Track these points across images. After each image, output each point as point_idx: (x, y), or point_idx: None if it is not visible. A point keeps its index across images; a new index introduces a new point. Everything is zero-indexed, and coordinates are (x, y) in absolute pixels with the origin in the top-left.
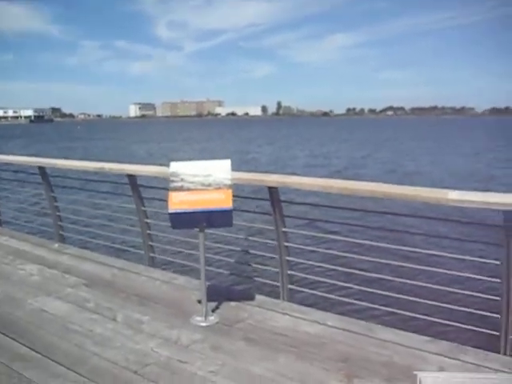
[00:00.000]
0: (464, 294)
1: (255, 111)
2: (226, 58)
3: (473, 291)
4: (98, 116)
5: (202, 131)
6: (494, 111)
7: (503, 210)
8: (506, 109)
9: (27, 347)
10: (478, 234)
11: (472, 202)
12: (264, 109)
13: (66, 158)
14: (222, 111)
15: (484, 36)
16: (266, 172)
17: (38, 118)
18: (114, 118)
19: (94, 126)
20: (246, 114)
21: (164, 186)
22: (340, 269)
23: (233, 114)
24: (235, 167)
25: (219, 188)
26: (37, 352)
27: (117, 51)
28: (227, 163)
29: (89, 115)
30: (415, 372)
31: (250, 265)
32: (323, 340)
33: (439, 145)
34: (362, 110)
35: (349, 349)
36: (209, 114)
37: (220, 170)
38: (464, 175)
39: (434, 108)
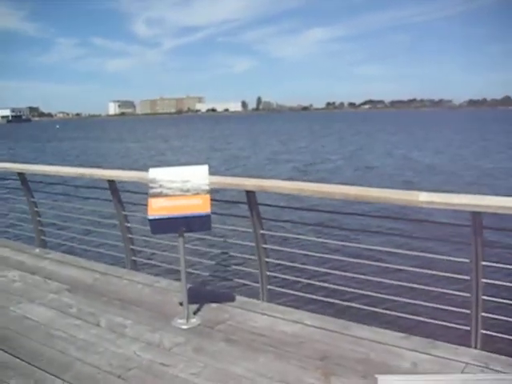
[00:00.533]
0: (437, 291)
1: (235, 107)
2: (205, 54)
3: (445, 288)
4: (77, 115)
5: (179, 128)
6: (472, 103)
7: (471, 211)
8: (483, 100)
9: (10, 355)
10: (449, 233)
11: (442, 204)
12: (244, 104)
13: (39, 159)
14: (202, 107)
15: (460, 29)
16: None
17: (16, 118)
18: (93, 116)
19: (72, 124)
20: (226, 109)
21: (144, 190)
22: (317, 268)
23: (213, 110)
24: (205, 161)
25: (197, 194)
26: (21, 359)
27: (94, 49)
28: (205, 169)
29: (67, 114)
30: (376, 375)
31: (230, 266)
32: (301, 339)
33: (411, 138)
34: (342, 104)
35: (326, 347)
36: (189, 110)
37: (198, 175)
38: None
39: (413, 101)
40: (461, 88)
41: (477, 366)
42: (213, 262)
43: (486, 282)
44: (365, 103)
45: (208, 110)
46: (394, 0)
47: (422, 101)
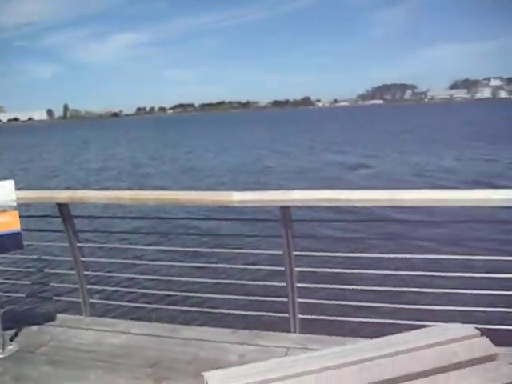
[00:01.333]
0: (257, 284)
1: (41, 116)
2: (3, 59)
3: (264, 280)
4: None
5: None
6: (276, 104)
7: (280, 206)
8: (286, 101)
9: None
10: (263, 228)
11: (254, 201)
12: (50, 113)
13: None
14: (3, 117)
15: (262, 33)
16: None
17: None
18: None
19: None
20: (31, 119)
21: None
22: (138, 276)
23: (15, 119)
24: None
25: (4, 211)
26: None
27: None
28: (10, 184)
29: None
30: (202, 373)
31: (48, 285)
32: (129, 349)
33: (208, 142)
34: (153, 109)
35: (155, 353)
36: None
37: (3, 191)
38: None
39: (222, 103)
40: (266, 90)
41: (298, 348)
42: (29, 282)
43: (298, 271)
44: (175, 107)
45: (10, 120)
46: (200, 6)
47: (230, 103)
